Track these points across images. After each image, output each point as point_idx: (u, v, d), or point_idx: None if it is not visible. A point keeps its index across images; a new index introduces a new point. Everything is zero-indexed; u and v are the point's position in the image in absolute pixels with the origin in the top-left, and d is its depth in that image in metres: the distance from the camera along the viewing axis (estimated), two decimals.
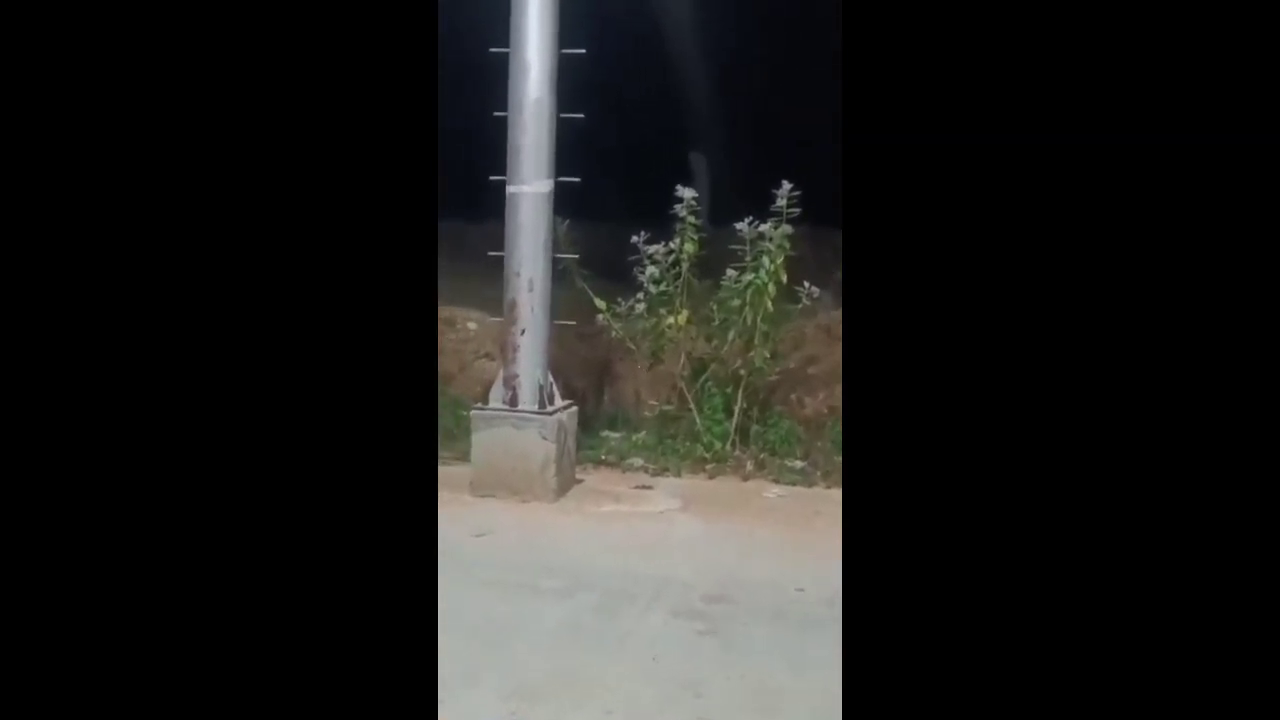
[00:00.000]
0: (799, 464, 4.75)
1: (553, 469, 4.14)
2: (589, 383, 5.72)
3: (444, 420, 5.06)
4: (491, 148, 4.37)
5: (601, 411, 5.51)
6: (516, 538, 3.73)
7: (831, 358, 5.35)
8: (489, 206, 4.62)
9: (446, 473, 4.44)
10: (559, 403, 4.29)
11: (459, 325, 5.64)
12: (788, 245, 4.72)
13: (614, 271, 5.20)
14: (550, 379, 4.28)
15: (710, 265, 5.01)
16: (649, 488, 4.45)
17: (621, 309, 4.98)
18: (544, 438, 4.14)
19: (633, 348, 5.09)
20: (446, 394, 5.32)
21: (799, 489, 4.51)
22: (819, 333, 5.62)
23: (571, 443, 4.37)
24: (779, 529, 3.92)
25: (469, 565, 3.29)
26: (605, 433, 5.23)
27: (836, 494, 4.23)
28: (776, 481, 4.59)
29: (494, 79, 4.26)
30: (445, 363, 5.46)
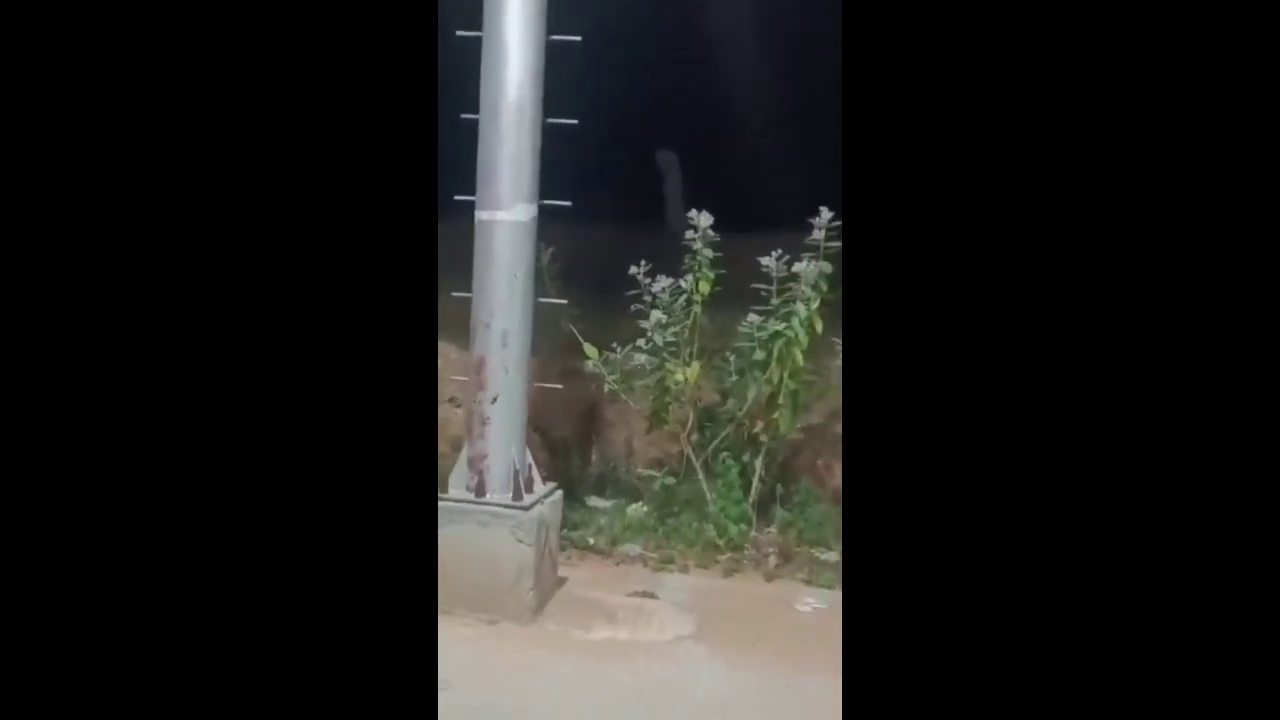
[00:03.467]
0: (833, 556, 3.86)
1: (530, 581, 3.21)
2: (571, 432, 4.77)
3: None
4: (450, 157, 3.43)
5: (587, 470, 4.58)
6: (482, 696, 2.79)
7: None
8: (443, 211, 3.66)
9: None
10: (539, 490, 3.35)
11: None
12: (825, 288, 3.80)
13: (603, 295, 4.24)
14: (529, 458, 3.34)
15: (720, 299, 4.07)
16: (652, 595, 3.52)
17: (617, 356, 4.04)
18: (519, 540, 3.20)
19: (630, 404, 4.16)
20: None
21: (836, 592, 3.61)
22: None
23: (554, 539, 3.43)
24: (823, 671, 3.01)
25: None
26: (592, 500, 4.30)
27: None
28: (809, 583, 3.68)
29: (462, 71, 3.29)
30: None
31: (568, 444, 4.58)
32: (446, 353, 4.77)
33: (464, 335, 4.85)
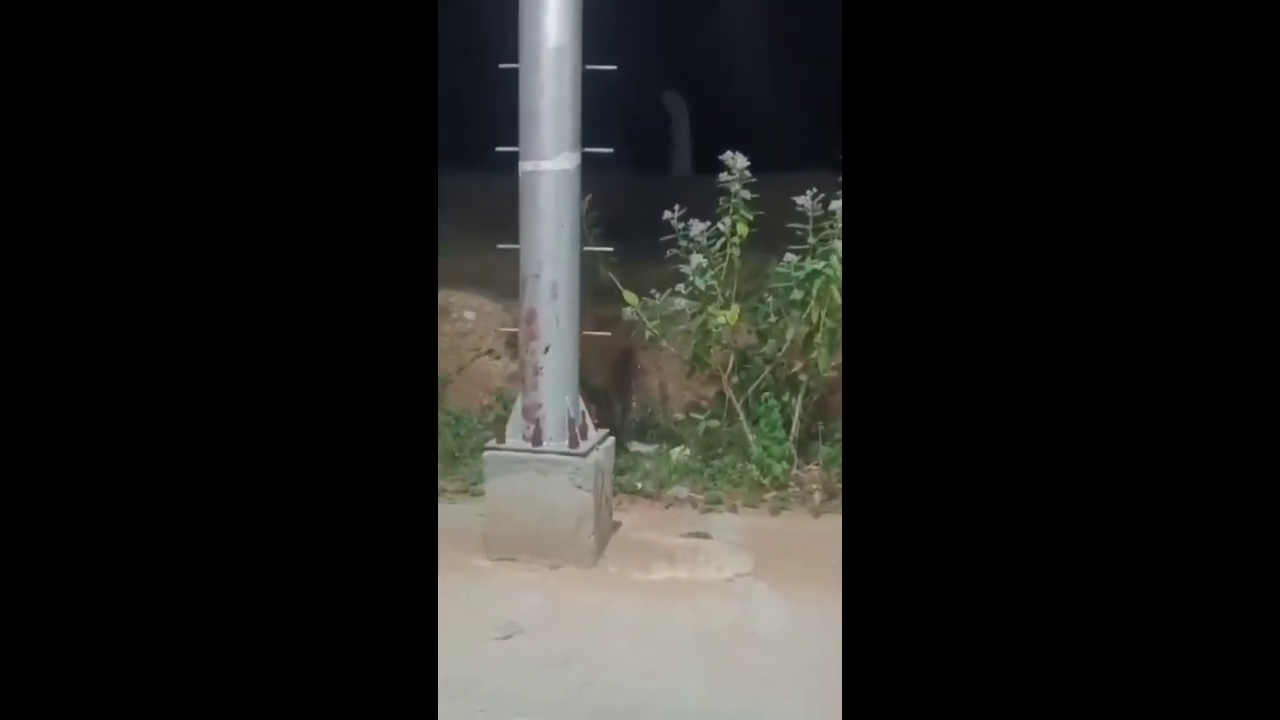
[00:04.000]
0: None
1: (590, 525, 3.28)
2: (608, 379, 4.81)
3: (442, 441, 4.17)
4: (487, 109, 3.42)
5: (627, 417, 4.63)
6: (554, 640, 2.87)
7: None
8: (484, 165, 3.65)
9: (448, 515, 3.57)
10: (593, 436, 3.40)
11: (454, 314, 4.69)
12: None
13: (633, 241, 4.24)
14: (581, 406, 3.38)
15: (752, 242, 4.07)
16: (705, 535, 3.59)
17: (655, 301, 4.06)
18: (578, 486, 3.26)
19: (670, 349, 4.19)
20: (443, 405, 4.42)
21: None
22: None
23: (609, 485, 3.49)
24: None
25: (495, 694, 2.45)
26: (635, 445, 4.35)
27: None
28: None
29: (498, 21, 3.27)
30: (439, 363, 4.54)
31: (606, 391, 4.62)
32: (481, 305, 4.81)
33: (497, 287, 4.89)
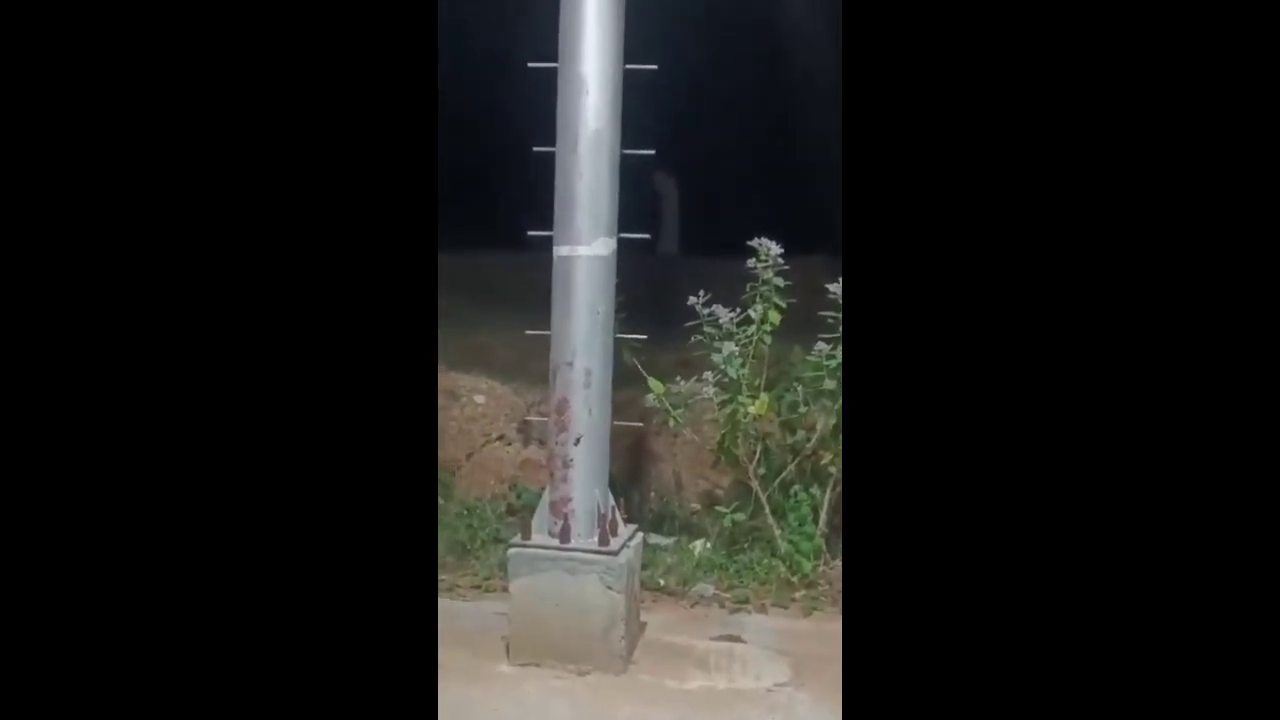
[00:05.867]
0: None
1: (621, 629, 3.08)
2: (620, 466, 4.66)
3: (452, 532, 3.97)
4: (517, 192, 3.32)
5: (645, 508, 4.45)
6: None
7: None
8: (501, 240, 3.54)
9: (463, 615, 3.38)
10: (623, 532, 3.22)
11: (463, 398, 4.54)
12: None
13: (655, 327, 4.12)
14: (611, 501, 3.22)
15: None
16: (737, 639, 3.40)
17: (680, 389, 3.93)
18: (609, 588, 3.07)
19: (695, 438, 4.05)
20: (453, 492, 4.23)
21: None
22: None
23: (637, 584, 3.31)
24: None
25: None
26: (653, 538, 4.17)
27: None
28: None
29: (534, 102, 3.19)
30: (448, 448, 4.37)
31: (621, 481, 4.46)
32: (491, 389, 4.66)
33: (509, 369, 4.73)
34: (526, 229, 3.21)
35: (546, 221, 3.15)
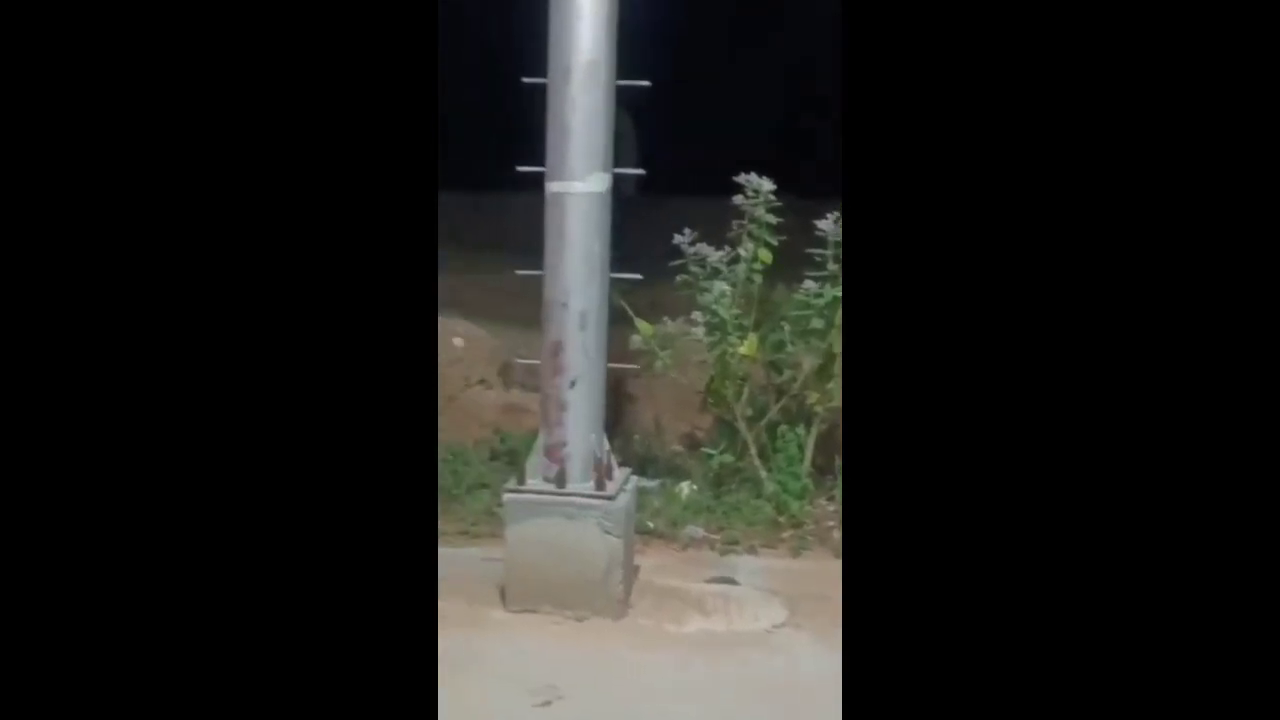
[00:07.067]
0: None
1: (619, 573, 3.05)
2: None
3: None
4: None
5: (626, 448, 4.39)
6: (598, 705, 2.62)
7: None
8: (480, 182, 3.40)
9: (452, 561, 3.31)
10: (618, 476, 3.17)
11: (443, 342, 4.42)
12: None
13: (638, 266, 4.03)
14: (606, 444, 3.16)
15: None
16: (732, 581, 3.39)
17: (667, 329, 3.86)
18: (607, 532, 3.02)
19: (681, 380, 3.99)
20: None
21: None
22: None
23: (632, 528, 3.27)
24: None
25: None
26: (640, 481, 4.13)
27: None
28: None
29: (518, 36, 3.05)
30: None
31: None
32: (469, 332, 4.55)
33: (487, 311, 4.62)
34: (515, 165, 3.09)
35: (523, 157, 3.03)
